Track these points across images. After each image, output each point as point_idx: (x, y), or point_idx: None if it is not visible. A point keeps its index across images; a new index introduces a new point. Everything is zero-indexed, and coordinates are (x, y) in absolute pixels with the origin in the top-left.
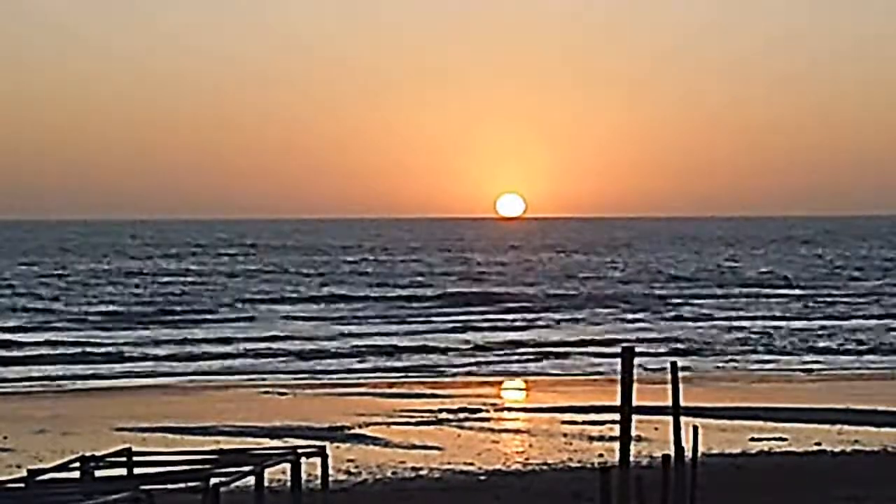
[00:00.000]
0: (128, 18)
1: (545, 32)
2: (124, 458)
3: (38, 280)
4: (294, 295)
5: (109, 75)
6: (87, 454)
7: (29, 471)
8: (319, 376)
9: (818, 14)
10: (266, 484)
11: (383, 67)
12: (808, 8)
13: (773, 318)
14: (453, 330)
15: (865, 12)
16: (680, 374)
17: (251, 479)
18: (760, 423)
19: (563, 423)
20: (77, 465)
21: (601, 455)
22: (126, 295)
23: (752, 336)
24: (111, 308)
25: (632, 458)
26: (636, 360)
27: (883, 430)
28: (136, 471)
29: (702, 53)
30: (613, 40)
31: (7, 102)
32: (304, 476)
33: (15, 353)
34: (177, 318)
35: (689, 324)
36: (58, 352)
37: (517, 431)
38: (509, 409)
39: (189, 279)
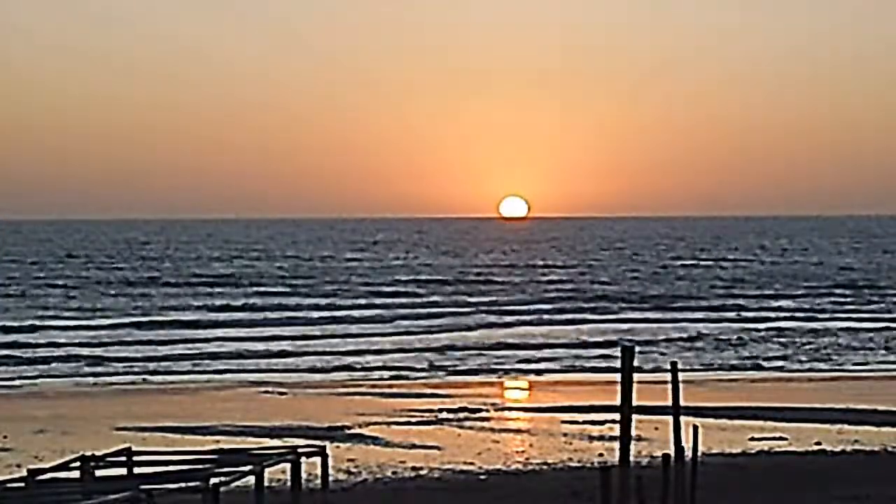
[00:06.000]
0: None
1: (547, 38)
2: (124, 458)
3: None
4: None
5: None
6: (88, 454)
7: (29, 470)
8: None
9: (816, 17)
10: (266, 483)
11: (389, 72)
12: (807, 10)
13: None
14: None
15: (860, 16)
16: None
17: (251, 479)
18: (760, 422)
19: (563, 422)
20: (77, 464)
21: (601, 455)
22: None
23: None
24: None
25: (632, 458)
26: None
27: (883, 429)
28: (137, 470)
29: (702, 55)
30: (614, 44)
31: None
32: (304, 476)
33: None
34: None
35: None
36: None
37: (517, 431)
38: (509, 409)
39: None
